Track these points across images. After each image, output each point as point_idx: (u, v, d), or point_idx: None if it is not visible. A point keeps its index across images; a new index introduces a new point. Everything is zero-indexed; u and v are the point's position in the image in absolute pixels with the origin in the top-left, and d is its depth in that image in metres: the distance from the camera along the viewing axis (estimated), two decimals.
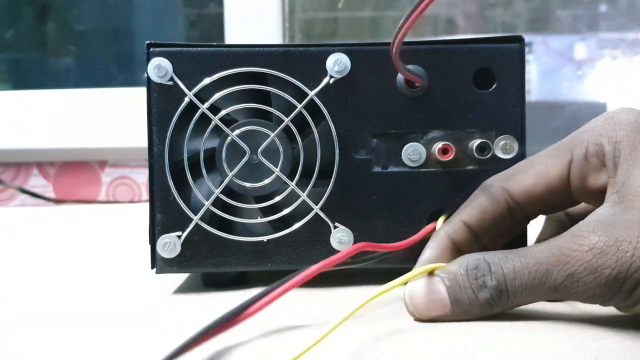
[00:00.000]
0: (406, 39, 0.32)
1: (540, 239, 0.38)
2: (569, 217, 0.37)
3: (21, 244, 0.59)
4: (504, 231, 0.33)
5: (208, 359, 0.26)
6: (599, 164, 0.30)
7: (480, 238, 0.33)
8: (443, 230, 0.33)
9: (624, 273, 0.26)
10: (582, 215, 0.30)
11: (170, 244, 0.36)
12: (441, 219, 0.35)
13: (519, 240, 0.35)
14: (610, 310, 0.30)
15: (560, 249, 0.27)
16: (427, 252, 0.33)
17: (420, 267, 0.30)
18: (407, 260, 0.36)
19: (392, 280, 0.29)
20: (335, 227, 0.36)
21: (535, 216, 0.34)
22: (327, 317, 0.31)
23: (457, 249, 0.32)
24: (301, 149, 0.36)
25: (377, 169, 0.37)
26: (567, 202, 0.33)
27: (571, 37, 1.04)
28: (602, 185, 0.30)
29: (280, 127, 0.36)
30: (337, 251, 0.36)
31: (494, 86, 0.36)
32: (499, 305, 0.29)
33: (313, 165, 0.36)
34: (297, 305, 0.34)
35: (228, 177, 0.36)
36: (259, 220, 0.36)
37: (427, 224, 0.36)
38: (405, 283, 0.30)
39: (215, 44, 0.36)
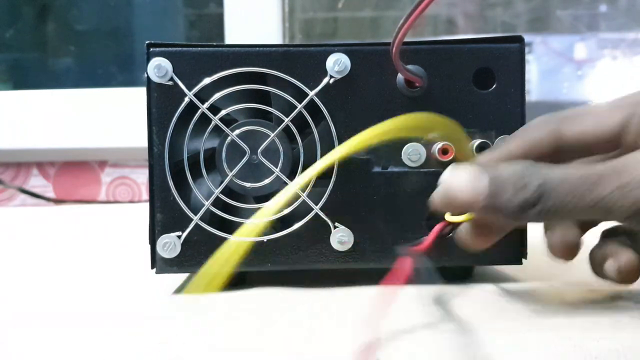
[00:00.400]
0: (406, 39, 0.32)
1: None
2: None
3: (21, 244, 0.59)
4: None
5: (205, 358, 0.26)
6: None
7: None
8: (487, 157, 0.32)
9: None
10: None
11: (170, 244, 0.36)
12: (448, 214, 0.35)
13: (519, 238, 0.35)
14: (610, 310, 0.30)
15: (617, 163, 0.26)
16: None
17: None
18: None
19: None
20: (335, 227, 0.36)
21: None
22: (326, 317, 0.31)
23: None
24: (301, 149, 0.36)
25: (377, 169, 0.37)
26: (607, 159, 0.31)
27: (571, 37, 1.04)
28: None
29: (280, 127, 0.36)
30: (337, 252, 0.36)
31: (494, 86, 0.37)
32: (533, 210, 0.26)
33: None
34: (296, 305, 0.34)
35: (228, 177, 0.36)
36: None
37: (427, 224, 0.36)
38: None
39: (215, 44, 0.36)
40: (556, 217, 0.27)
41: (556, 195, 0.26)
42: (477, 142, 0.36)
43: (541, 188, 0.26)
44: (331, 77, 0.36)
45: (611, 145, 0.31)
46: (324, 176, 0.36)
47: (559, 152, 0.31)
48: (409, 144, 0.36)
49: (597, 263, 0.33)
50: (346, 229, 0.36)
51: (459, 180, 0.28)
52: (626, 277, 0.31)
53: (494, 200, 0.27)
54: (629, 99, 0.31)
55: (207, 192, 0.36)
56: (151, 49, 0.36)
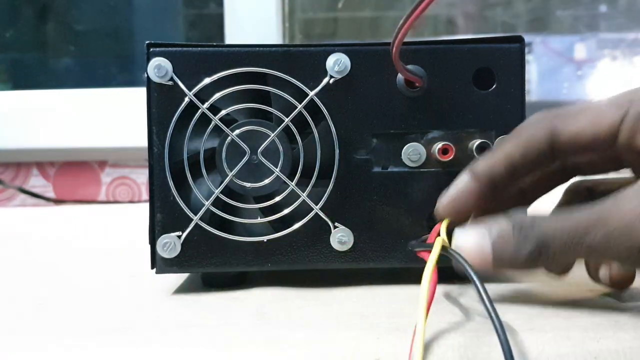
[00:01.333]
0: (406, 39, 0.32)
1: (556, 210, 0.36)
2: (590, 193, 0.36)
3: (21, 244, 0.59)
4: (541, 179, 0.34)
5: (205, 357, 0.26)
6: None
7: (518, 173, 0.32)
8: (483, 163, 0.32)
9: None
10: (605, 192, 0.30)
11: (170, 244, 0.36)
12: (446, 220, 0.35)
13: None
14: (610, 310, 0.30)
15: (602, 210, 0.27)
16: (466, 179, 0.32)
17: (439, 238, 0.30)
18: (408, 260, 0.36)
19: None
20: (335, 227, 0.36)
21: (571, 173, 0.34)
22: (322, 318, 0.31)
23: (492, 184, 0.32)
24: (301, 149, 0.36)
25: (377, 169, 0.37)
26: (608, 158, 0.32)
27: (571, 37, 1.04)
28: None
29: (280, 127, 0.36)
30: (337, 252, 0.36)
31: (494, 86, 0.36)
32: (539, 260, 0.28)
33: (313, 166, 0.36)
34: (296, 305, 0.34)
35: (228, 177, 0.36)
36: (259, 220, 0.36)
37: (426, 224, 0.36)
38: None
39: (215, 44, 0.36)
40: (560, 262, 0.29)
41: (553, 249, 0.28)
42: (477, 142, 0.36)
43: (539, 243, 0.28)
44: (331, 77, 0.36)
45: (607, 143, 0.31)
46: (324, 176, 0.36)
47: (555, 151, 0.32)
48: (408, 144, 0.36)
49: (591, 269, 0.34)
50: (346, 229, 0.36)
51: (466, 249, 0.29)
52: (618, 283, 0.32)
53: (501, 260, 0.29)
54: (623, 97, 0.30)
55: (207, 192, 0.36)
56: (151, 49, 0.36)
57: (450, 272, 0.34)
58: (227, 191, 0.36)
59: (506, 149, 0.32)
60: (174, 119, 0.36)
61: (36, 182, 0.95)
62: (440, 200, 0.33)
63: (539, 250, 0.28)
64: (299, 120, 0.36)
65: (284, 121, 0.36)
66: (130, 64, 1.08)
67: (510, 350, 0.24)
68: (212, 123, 0.35)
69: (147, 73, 0.36)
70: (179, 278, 0.40)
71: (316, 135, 0.36)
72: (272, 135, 0.36)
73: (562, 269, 0.34)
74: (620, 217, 0.26)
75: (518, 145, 0.32)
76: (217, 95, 0.35)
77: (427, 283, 0.27)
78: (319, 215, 0.36)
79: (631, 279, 0.32)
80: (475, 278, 0.27)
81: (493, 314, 0.25)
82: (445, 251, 0.30)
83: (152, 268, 0.36)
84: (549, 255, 0.28)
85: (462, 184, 0.32)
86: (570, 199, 0.36)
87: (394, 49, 0.32)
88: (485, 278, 0.28)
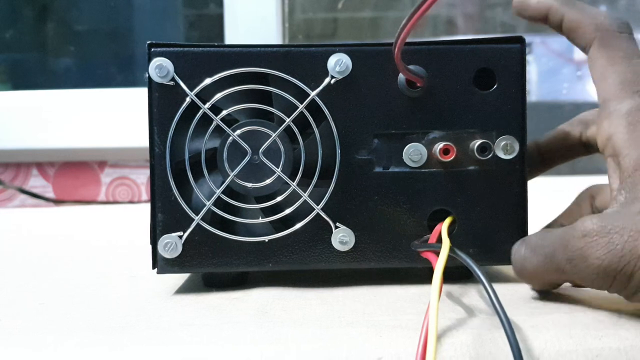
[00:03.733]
0: (407, 40, 0.32)
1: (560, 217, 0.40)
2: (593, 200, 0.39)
3: (21, 245, 0.59)
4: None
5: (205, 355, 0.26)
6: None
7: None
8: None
9: (614, 265, 0.26)
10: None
11: (172, 244, 0.36)
12: (448, 220, 0.35)
13: (519, 238, 0.36)
14: (611, 308, 0.30)
15: (565, 233, 0.28)
16: None
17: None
18: (409, 260, 0.36)
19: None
20: (336, 227, 0.36)
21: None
22: (324, 317, 0.31)
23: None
24: (302, 149, 0.36)
25: (378, 169, 0.37)
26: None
27: None
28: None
29: (282, 127, 0.36)
30: (338, 252, 0.36)
31: (495, 86, 0.37)
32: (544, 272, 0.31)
33: (314, 166, 0.36)
34: (297, 305, 0.34)
35: (229, 177, 0.36)
36: (260, 220, 0.36)
37: (427, 224, 0.36)
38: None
39: (216, 44, 0.36)
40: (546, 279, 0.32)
41: (532, 262, 0.31)
42: (478, 142, 0.36)
43: (526, 256, 0.31)
44: (332, 77, 0.36)
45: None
46: (325, 176, 0.36)
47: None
48: (410, 144, 0.36)
49: None
50: (347, 229, 0.36)
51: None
52: None
53: (523, 275, 0.32)
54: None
55: (208, 192, 0.36)
56: (152, 49, 0.36)
57: (451, 271, 0.34)
58: (228, 191, 0.36)
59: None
60: (175, 119, 0.36)
61: (36, 182, 0.95)
62: None
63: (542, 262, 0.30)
64: (300, 121, 0.36)
65: (285, 121, 0.36)
66: (130, 64, 1.08)
67: (519, 349, 0.24)
68: (214, 123, 0.35)
69: (148, 73, 0.36)
70: (180, 278, 0.40)
71: (317, 135, 0.36)
72: (274, 135, 0.36)
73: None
74: (575, 242, 0.27)
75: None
76: (218, 96, 0.35)
77: (437, 286, 0.27)
78: (320, 216, 0.36)
79: None
80: (482, 277, 0.28)
81: (500, 312, 0.25)
82: (452, 252, 0.30)
83: (153, 268, 0.36)
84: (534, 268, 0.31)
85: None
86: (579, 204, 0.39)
87: (396, 49, 0.32)
88: (491, 277, 0.28)
